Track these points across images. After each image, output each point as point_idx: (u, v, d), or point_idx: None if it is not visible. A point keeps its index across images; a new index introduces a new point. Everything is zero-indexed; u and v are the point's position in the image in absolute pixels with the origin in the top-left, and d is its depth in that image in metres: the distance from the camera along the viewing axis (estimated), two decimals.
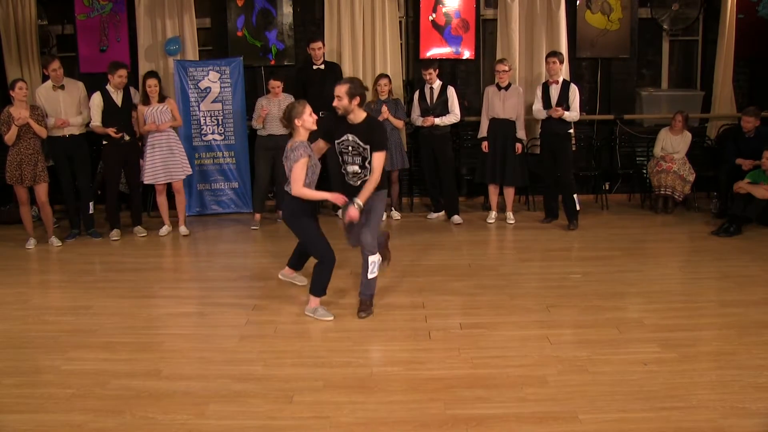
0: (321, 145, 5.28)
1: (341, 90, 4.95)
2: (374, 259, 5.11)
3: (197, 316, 5.32)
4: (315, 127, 4.99)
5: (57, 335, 4.90)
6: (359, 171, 5.11)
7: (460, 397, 3.87)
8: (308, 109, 4.96)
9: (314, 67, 8.10)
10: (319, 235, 5.09)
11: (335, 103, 4.99)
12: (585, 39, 8.98)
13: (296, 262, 5.70)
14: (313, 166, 4.94)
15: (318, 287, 5.13)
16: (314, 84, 8.06)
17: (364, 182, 5.07)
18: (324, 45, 8.17)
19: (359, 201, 4.99)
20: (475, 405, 3.78)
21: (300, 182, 4.86)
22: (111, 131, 7.32)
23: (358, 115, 5.03)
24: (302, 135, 4.96)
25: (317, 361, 4.40)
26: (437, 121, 7.90)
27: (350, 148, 5.09)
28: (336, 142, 5.15)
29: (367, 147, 5.02)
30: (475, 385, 4.01)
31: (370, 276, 5.14)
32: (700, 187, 8.68)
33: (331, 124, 5.22)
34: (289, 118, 4.95)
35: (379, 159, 5.01)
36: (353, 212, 4.98)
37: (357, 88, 4.97)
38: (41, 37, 8.88)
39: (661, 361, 4.26)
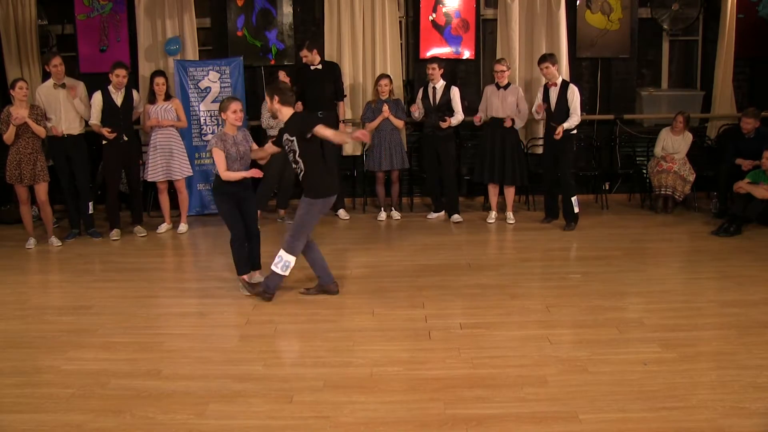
0: (268, 148, 5.66)
1: (266, 98, 5.44)
2: (288, 259, 5.35)
3: (197, 315, 5.31)
4: (238, 123, 5.58)
5: (57, 335, 4.90)
6: (295, 166, 5.40)
7: (460, 397, 3.86)
8: (235, 106, 5.47)
9: (312, 67, 8.10)
10: (231, 212, 5.55)
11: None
12: (585, 39, 8.97)
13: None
14: (234, 156, 5.48)
15: (236, 265, 5.68)
16: (313, 84, 8.06)
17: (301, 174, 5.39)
18: (310, 51, 8.04)
19: None
20: (475, 405, 3.77)
21: (222, 167, 5.44)
22: (105, 131, 7.33)
23: (285, 113, 5.36)
24: (228, 128, 5.56)
25: (317, 361, 4.41)
26: (454, 122, 7.91)
27: (286, 147, 5.39)
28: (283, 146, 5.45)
29: (294, 139, 5.30)
30: (475, 385, 4.00)
31: (273, 268, 5.38)
32: (700, 187, 8.66)
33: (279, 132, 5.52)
34: (219, 108, 5.61)
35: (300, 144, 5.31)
36: None
37: (273, 89, 5.35)
38: (41, 37, 8.87)
39: (661, 361, 4.25)
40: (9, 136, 6.96)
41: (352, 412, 3.73)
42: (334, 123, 8.21)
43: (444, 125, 7.89)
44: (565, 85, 7.55)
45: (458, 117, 7.97)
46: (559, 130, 7.36)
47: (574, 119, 7.46)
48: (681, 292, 5.61)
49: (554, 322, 4.99)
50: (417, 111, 8.10)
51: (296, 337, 4.83)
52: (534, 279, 6.06)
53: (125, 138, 7.48)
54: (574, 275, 6.07)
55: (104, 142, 7.50)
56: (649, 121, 9.14)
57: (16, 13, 8.64)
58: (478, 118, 7.95)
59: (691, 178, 8.27)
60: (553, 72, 7.50)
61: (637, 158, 9.17)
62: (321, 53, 8.32)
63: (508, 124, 7.67)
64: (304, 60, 8.07)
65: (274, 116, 5.50)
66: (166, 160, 7.64)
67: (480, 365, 4.27)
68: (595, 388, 3.92)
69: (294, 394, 3.93)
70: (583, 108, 8.41)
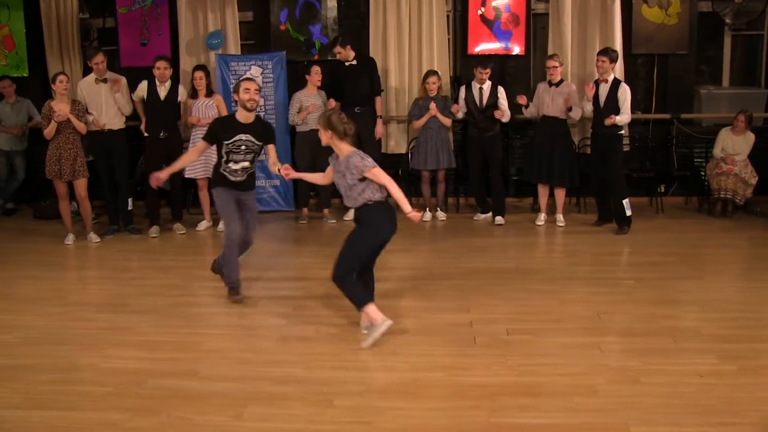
0: (200, 146, 5.56)
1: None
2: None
3: (237, 315, 5.28)
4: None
5: (95, 332, 4.91)
6: (249, 166, 5.48)
7: (504, 405, 3.77)
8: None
9: (347, 63, 8.05)
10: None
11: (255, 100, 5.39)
12: (641, 34, 8.71)
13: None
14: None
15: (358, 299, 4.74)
16: (349, 80, 8.01)
17: (250, 174, 5.54)
18: (344, 47, 7.98)
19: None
20: (520, 414, 3.68)
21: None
22: (143, 123, 7.63)
23: (249, 116, 5.42)
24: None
25: (358, 365, 4.35)
26: (504, 118, 7.77)
27: (243, 147, 5.38)
28: (225, 143, 5.36)
29: (261, 144, 5.45)
30: (521, 393, 3.91)
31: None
32: (763, 190, 8.31)
33: (218, 127, 5.47)
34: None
35: (274, 150, 5.56)
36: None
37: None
38: (82, 31, 8.97)
39: (719, 374, 4.10)
40: (50, 131, 7.00)
41: (393, 417, 3.67)
42: (371, 119, 8.12)
43: (497, 114, 7.69)
44: (616, 84, 7.36)
45: (506, 115, 7.82)
46: (612, 117, 7.19)
47: (625, 117, 7.29)
48: (740, 301, 5.42)
49: (605, 330, 4.87)
50: (459, 112, 7.94)
51: (337, 340, 4.74)
52: (584, 284, 5.90)
53: (165, 134, 7.50)
54: (626, 281, 5.91)
55: (146, 134, 7.57)
56: (708, 121, 8.85)
57: (58, 6, 8.76)
58: (524, 99, 7.76)
59: (753, 181, 7.97)
60: (607, 68, 7.32)
61: (695, 160, 8.89)
62: (357, 49, 8.25)
63: (568, 104, 7.49)
64: (338, 57, 8.06)
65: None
66: (205, 157, 7.56)
67: (527, 373, 4.17)
68: (647, 400, 3.79)
69: (334, 398, 3.88)
70: (638, 107, 8.17)
